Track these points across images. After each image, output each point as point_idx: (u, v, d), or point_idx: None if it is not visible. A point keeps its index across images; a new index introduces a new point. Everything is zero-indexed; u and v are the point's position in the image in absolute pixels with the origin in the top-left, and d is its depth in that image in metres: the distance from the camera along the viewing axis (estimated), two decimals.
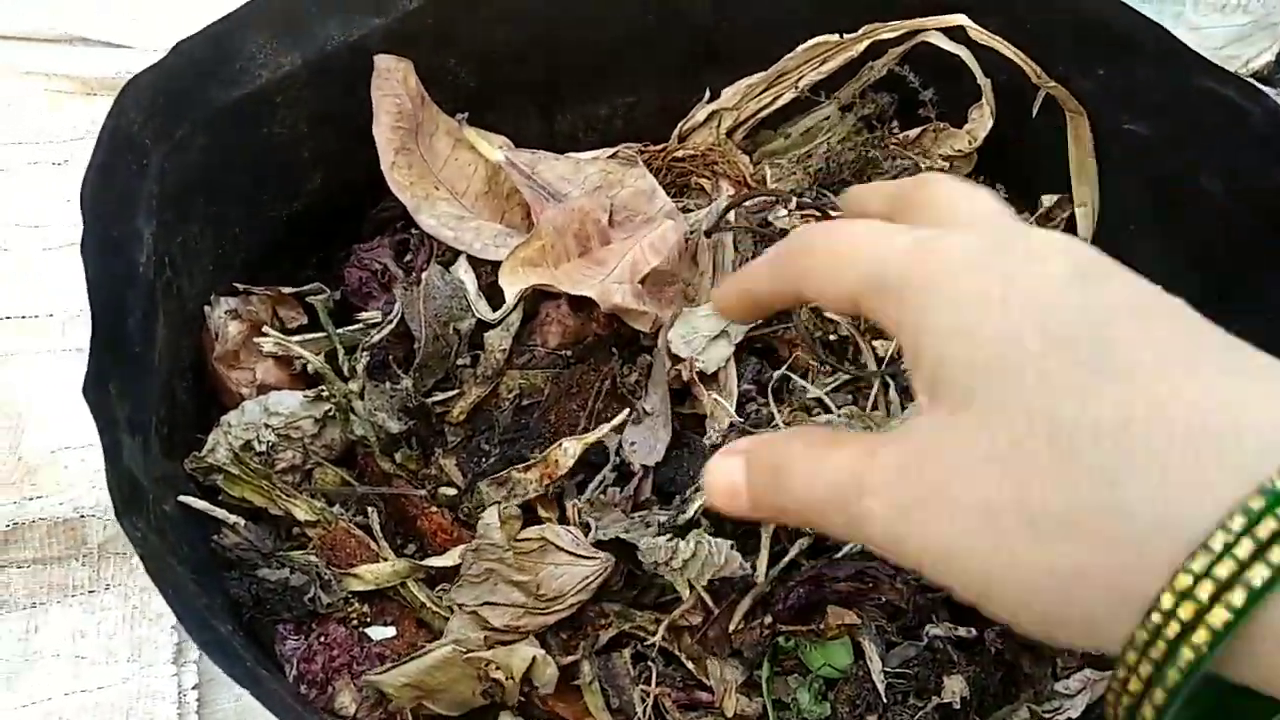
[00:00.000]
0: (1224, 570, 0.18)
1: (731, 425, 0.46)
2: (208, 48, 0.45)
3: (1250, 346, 0.22)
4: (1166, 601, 0.19)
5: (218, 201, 0.49)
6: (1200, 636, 0.18)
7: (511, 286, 0.45)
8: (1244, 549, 0.18)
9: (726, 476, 0.28)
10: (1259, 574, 0.18)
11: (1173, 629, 0.19)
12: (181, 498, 0.43)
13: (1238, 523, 0.18)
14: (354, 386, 0.47)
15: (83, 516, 0.56)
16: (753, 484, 0.28)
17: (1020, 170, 0.54)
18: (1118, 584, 0.19)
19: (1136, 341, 0.21)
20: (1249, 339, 0.51)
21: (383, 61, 0.49)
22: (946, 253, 0.24)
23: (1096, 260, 0.24)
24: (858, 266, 0.26)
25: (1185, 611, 0.18)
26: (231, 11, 0.45)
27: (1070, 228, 0.54)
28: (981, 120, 0.53)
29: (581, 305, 0.49)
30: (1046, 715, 0.45)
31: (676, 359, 0.48)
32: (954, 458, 0.22)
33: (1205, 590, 0.18)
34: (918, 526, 0.23)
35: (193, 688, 0.56)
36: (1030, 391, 0.21)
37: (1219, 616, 0.18)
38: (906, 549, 0.23)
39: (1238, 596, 0.18)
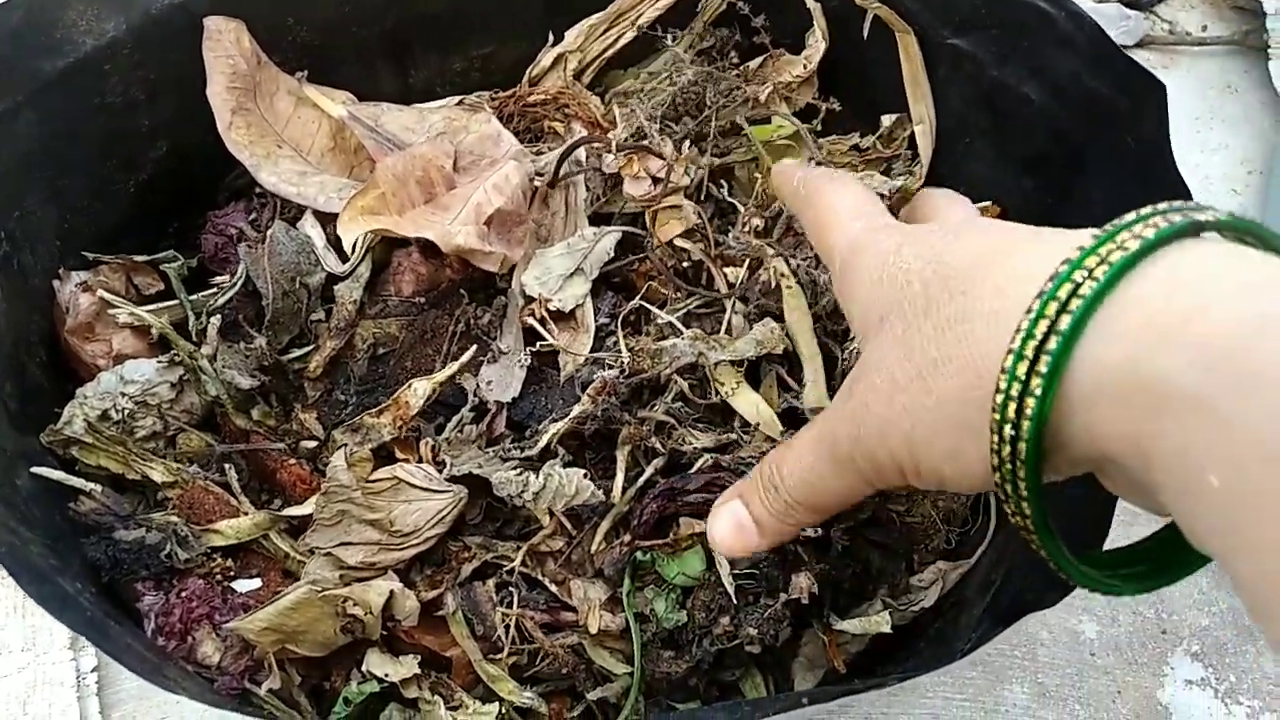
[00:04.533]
0: (1038, 333, 0.24)
1: (585, 359, 0.47)
2: (23, 17, 0.45)
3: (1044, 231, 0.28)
4: (1003, 382, 0.24)
5: (56, 175, 0.48)
6: (1035, 384, 0.24)
7: (349, 234, 0.45)
8: (1043, 325, 0.24)
9: (730, 520, 0.34)
10: (1063, 323, 0.24)
11: (1015, 390, 0.24)
12: (34, 469, 0.43)
13: (1035, 308, 0.24)
14: (206, 350, 0.47)
15: None
16: (759, 508, 0.34)
17: (861, 93, 0.56)
18: (979, 391, 0.25)
19: (980, 248, 0.28)
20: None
21: (212, 23, 0.49)
22: (874, 246, 0.32)
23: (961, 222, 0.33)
24: (824, 240, 0.35)
25: (1020, 369, 0.24)
26: None
27: (911, 145, 0.56)
28: (816, 46, 0.54)
29: (434, 252, 0.49)
30: (901, 607, 0.47)
31: (529, 299, 0.49)
32: (873, 362, 0.29)
33: (1029, 349, 0.24)
34: (865, 426, 0.29)
35: (91, 670, 0.56)
36: (914, 293, 0.28)
37: (1043, 363, 0.24)
38: (869, 452, 0.29)
39: (1052, 343, 0.24)
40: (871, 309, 0.30)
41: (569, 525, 0.45)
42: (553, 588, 0.44)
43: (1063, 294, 0.24)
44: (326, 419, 0.47)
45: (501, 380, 0.47)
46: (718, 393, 0.47)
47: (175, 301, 0.50)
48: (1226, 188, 0.89)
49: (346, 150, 0.52)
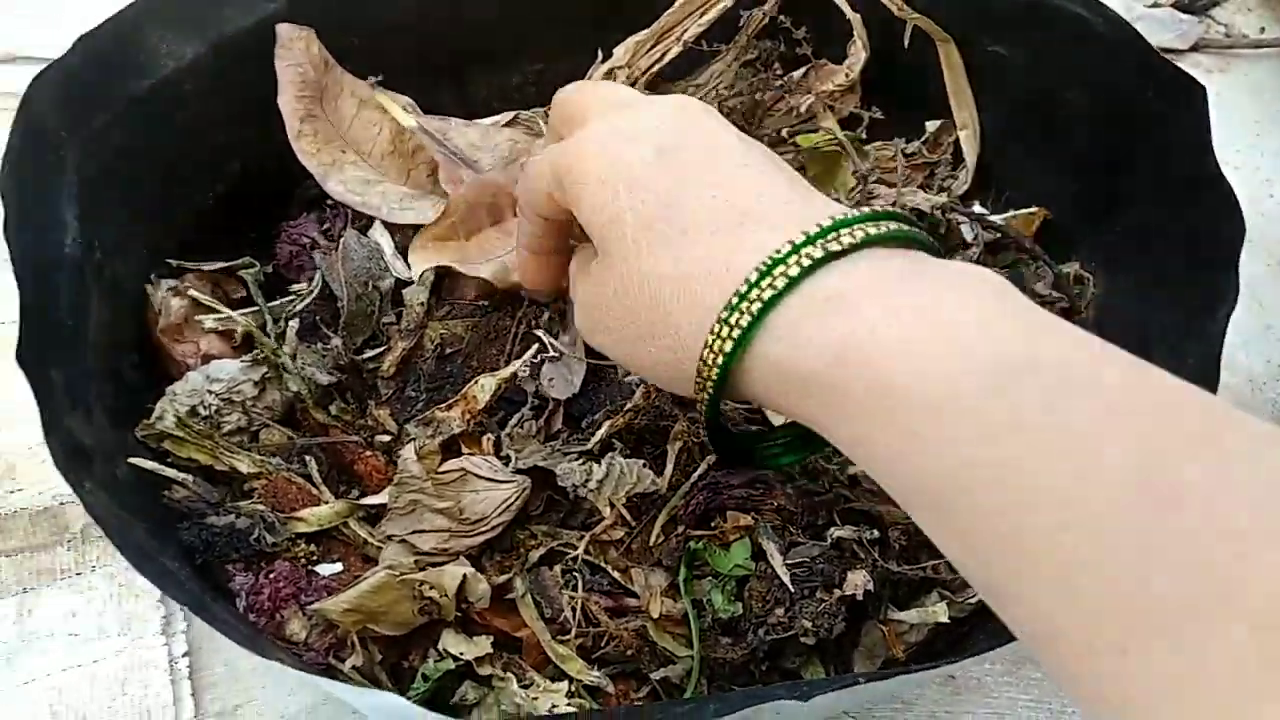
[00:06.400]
0: (725, 333, 0.30)
1: None
2: (109, 41, 0.48)
3: (794, 190, 0.33)
4: (700, 367, 0.31)
5: (141, 189, 0.52)
6: (714, 364, 0.30)
7: (419, 265, 0.48)
8: (739, 318, 0.29)
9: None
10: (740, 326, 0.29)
11: (715, 351, 0.30)
12: (131, 459, 0.46)
13: (725, 314, 0.29)
14: (286, 350, 0.50)
15: (63, 504, 0.59)
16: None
17: (904, 99, 0.58)
18: (681, 366, 0.32)
19: (695, 207, 0.31)
20: (1128, 234, 0.56)
21: (284, 30, 0.52)
22: (577, 150, 0.33)
23: (678, 133, 0.33)
24: (543, 179, 0.36)
25: (713, 350, 0.30)
26: (125, 7, 0.48)
27: (957, 150, 0.58)
28: (857, 55, 0.56)
29: None
30: (959, 600, 0.48)
31: None
32: (599, 294, 0.34)
33: (724, 338, 0.29)
34: (592, 333, 0.36)
35: (183, 655, 0.60)
36: (629, 253, 0.32)
37: (716, 366, 0.30)
38: (592, 342, 0.37)
39: (728, 344, 0.30)
40: (596, 234, 0.34)
41: (628, 516, 0.47)
42: (615, 574, 0.47)
43: (753, 294, 0.29)
44: (399, 415, 0.50)
45: (562, 377, 0.50)
46: None
47: (256, 308, 0.53)
48: None
49: (404, 154, 0.55)
